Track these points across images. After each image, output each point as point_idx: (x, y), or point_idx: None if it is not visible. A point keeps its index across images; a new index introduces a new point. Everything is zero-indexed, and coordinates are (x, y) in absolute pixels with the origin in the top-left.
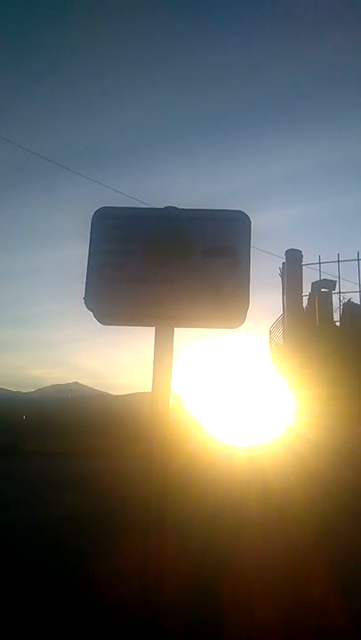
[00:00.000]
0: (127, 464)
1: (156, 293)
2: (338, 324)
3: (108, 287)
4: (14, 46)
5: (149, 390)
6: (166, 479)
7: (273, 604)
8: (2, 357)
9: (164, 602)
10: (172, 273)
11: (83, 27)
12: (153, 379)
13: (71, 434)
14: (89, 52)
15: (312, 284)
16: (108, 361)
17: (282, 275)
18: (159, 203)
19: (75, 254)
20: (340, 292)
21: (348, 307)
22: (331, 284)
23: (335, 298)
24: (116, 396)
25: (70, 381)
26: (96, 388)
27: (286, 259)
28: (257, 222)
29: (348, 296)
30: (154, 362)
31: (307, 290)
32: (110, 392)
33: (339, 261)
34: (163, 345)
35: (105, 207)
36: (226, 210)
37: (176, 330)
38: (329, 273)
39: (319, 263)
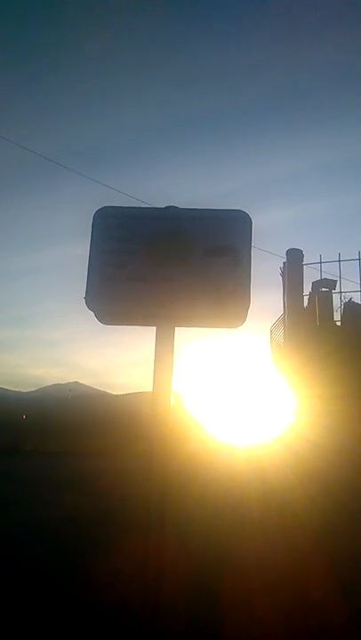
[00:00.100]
0: (127, 463)
1: (156, 293)
2: (338, 323)
3: (109, 286)
4: (14, 46)
5: (149, 390)
6: (166, 479)
7: (273, 603)
8: (2, 357)
9: (164, 601)
10: (172, 272)
11: (83, 27)
12: (154, 378)
13: (71, 433)
14: (89, 52)
15: (312, 283)
16: (108, 360)
17: (283, 274)
18: (159, 202)
19: (75, 254)
20: (340, 292)
21: (349, 306)
22: (331, 284)
23: (336, 297)
24: (116, 395)
25: (70, 381)
26: (96, 387)
27: (287, 258)
28: (257, 222)
29: (348, 295)
30: (155, 361)
31: (307, 289)
32: (110, 391)
33: (340, 261)
34: (163, 344)
35: (106, 207)
36: (227, 209)
37: (177, 329)
38: (330, 272)
39: (320, 263)
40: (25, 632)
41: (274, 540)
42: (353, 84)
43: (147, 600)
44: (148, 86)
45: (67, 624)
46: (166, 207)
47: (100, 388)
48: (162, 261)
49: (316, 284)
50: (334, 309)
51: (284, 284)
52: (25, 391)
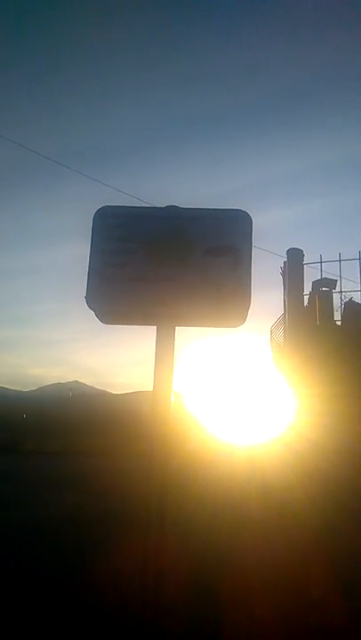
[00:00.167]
0: (127, 463)
1: (157, 292)
2: (339, 322)
3: (110, 286)
4: (14, 46)
5: (149, 389)
6: (166, 478)
7: (273, 603)
8: (2, 356)
9: (165, 601)
10: (173, 272)
11: (83, 27)
12: (154, 378)
13: (71, 432)
14: (89, 51)
15: (313, 282)
16: (108, 360)
17: (283, 274)
18: (160, 202)
19: (75, 253)
20: (341, 292)
21: (350, 305)
22: (331, 283)
23: (336, 297)
24: (116, 394)
25: (70, 380)
26: (96, 386)
27: (288, 258)
28: (258, 222)
29: (349, 295)
30: (155, 361)
31: (308, 289)
32: (110, 391)
33: (340, 260)
34: (164, 344)
35: (106, 206)
36: (227, 209)
37: (177, 329)
38: (330, 272)
39: (320, 262)
40: (25, 632)
41: (274, 539)
42: (353, 84)
43: (147, 600)
44: (148, 86)
45: (67, 624)
46: (167, 207)
47: (101, 388)
48: (162, 261)
49: (316, 284)
50: (334, 309)
51: (284, 284)
52: (25, 390)
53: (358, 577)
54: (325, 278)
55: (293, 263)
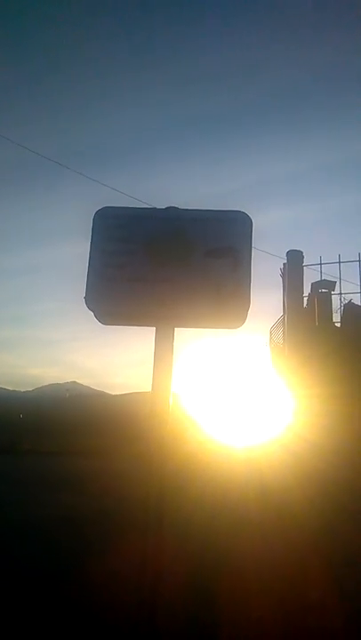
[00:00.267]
0: (125, 464)
1: (156, 293)
2: (338, 324)
3: (109, 287)
4: (14, 45)
5: (147, 390)
6: (164, 479)
7: (271, 604)
8: (1, 356)
9: (162, 602)
10: (173, 273)
11: (83, 27)
12: (153, 379)
13: (69, 433)
14: (89, 52)
15: (312, 284)
16: (106, 360)
17: (283, 275)
18: (159, 202)
19: (74, 253)
20: (340, 293)
21: (349, 307)
22: (330, 285)
23: (336, 299)
24: (114, 395)
25: (68, 380)
26: (94, 387)
27: (287, 259)
28: (257, 222)
29: (348, 297)
30: (154, 362)
31: (307, 290)
32: (108, 391)
33: (340, 262)
34: (163, 345)
35: (106, 207)
36: (227, 210)
37: (176, 330)
38: (330, 274)
39: (320, 264)
40: (21, 632)
41: (272, 540)
42: (353, 85)
43: (144, 600)
44: (148, 86)
45: (63, 625)
46: (167, 208)
47: (98, 388)
48: (162, 262)
49: (315, 285)
50: (334, 311)
51: (284, 285)
52: (22, 390)
53: (357, 578)
54: (325, 280)
55: (293, 265)
